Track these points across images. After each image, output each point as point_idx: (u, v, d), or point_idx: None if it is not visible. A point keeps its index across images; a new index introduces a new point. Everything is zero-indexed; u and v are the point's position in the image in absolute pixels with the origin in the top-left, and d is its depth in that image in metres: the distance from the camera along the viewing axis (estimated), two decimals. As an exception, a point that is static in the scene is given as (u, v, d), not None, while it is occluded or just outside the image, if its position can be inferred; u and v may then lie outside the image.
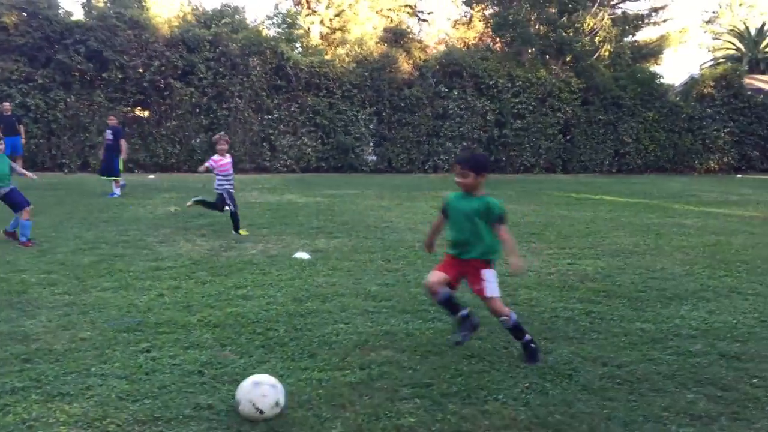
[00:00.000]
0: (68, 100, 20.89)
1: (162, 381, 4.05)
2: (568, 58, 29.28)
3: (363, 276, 7.06)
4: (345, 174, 23.89)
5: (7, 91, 19.67)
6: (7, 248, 8.14)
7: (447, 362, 4.46)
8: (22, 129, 18.29)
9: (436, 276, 4.56)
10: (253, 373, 3.93)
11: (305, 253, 8.15)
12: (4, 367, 4.22)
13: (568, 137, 28.38)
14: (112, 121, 15.14)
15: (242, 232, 9.54)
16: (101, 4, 23.83)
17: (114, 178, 14.50)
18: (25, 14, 20.60)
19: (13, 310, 5.48)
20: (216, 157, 9.67)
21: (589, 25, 29.35)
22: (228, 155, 9.77)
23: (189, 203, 10.23)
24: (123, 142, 14.88)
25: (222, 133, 10.29)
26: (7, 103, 18.27)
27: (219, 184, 9.66)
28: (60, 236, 9.04)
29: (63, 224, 10.10)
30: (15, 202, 8.50)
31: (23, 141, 18.45)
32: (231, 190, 9.67)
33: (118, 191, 14.34)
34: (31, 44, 20.52)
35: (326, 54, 26.10)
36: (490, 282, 4.47)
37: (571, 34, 28.80)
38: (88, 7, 23.62)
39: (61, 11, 21.77)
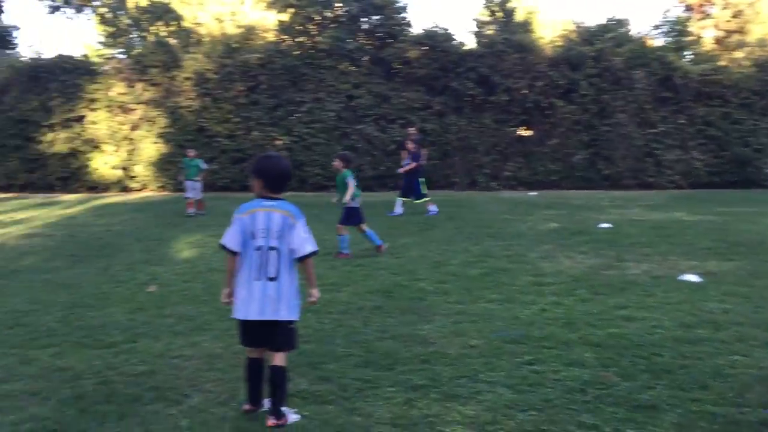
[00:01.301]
0: (460, 123, 22.72)
1: (546, 395, 4.16)
2: None
3: (764, 304, 6.30)
4: (742, 189, 21.53)
5: (410, 118, 22.18)
6: (408, 257, 9.18)
7: None
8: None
9: None
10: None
11: (694, 275, 7.58)
12: (407, 365, 4.77)
13: None
14: (410, 145, 14.86)
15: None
16: (491, 32, 25.47)
17: (423, 200, 14.54)
18: (426, 48, 23.04)
19: (414, 315, 6.16)
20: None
21: None
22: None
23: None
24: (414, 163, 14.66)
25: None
26: (413, 128, 20.53)
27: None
28: (451, 249, 9.87)
29: (454, 238, 11.00)
30: (351, 216, 9.57)
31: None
32: None
33: (434, 208, 14.41)
34: (430, 74, 22.87)
35: (720, 60, 23.91)
36: None
37: None
38: (479, 36, 25.47)
39: (455, 42, 23.81)
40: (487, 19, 29.80)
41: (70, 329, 5.86)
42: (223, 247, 3.89)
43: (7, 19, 49.13)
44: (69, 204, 18.43)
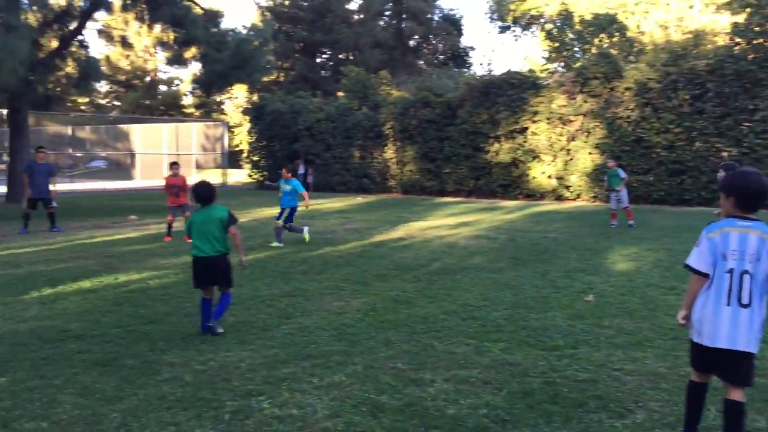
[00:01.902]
0: None
1: None
2: None
3: None
4: None
5: None
6: None
7: None
8: None
9: None
10: None
11: None
12: None
13: None
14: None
15: None
16: None
17: None
18: None
19: None
20: None
21: None
22: None
23: None
24: None
25: None
26: None
27: None
28: None
29: None
30: None
31: None
32: None
33: None
34: None
35: None
36: None
37: None
38: None
39: None
40: None
41: (516, 327, 6.28)
42: (690, 268, 3.67)
43: (465, 41, 55.01)
44: (509, 210, 19.80)
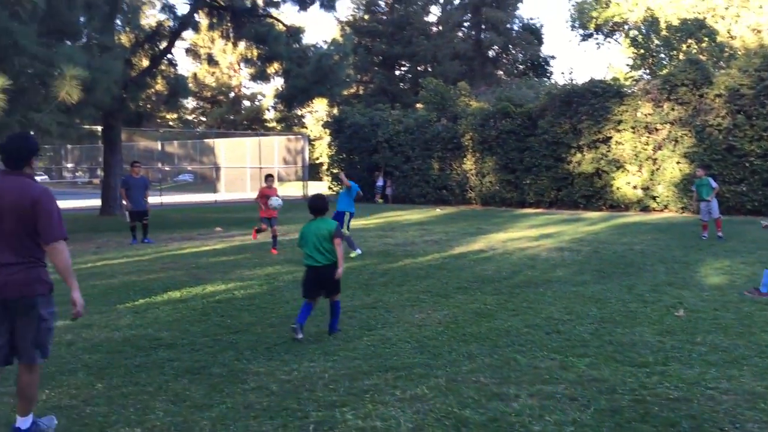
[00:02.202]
0: None
1: None
2: None
3: None
4: None
5: None
6: None
7: None
8: None
9: None
10: None
11: None
12: None
13: None
14: None
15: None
16: None
17: None
18: None
19: None
20: None
21: None
22: None
23: None
24: None
25: None
26: None
27: None
28: None
29: None
30: None
31: None
32: None
33: None
34: None
35: None
36: None
37: None
38: None
39: None
40: None
41: (602, 342, 6.11)
42: None
43: (545, 50, 54.33)
44: (592, 221, 19.32)
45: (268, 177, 13.70)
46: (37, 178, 4.94)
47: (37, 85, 13.43)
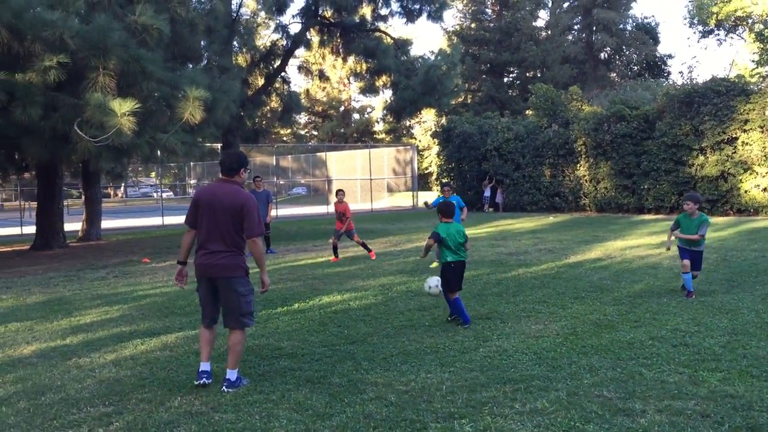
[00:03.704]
0: None
1: None
2: None
3: None
4: None
5: None
6: None
7: None
8: None
9: None
10: None
11: None
12: None
13: None
14: None
15: None
16: None
17: None
18: None
19: None
20: None
21: None
22: None
23: None
24: None
25: None
26: None
27: None
28: None
29: None
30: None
31: None
32: None
33: None
34: None
35: None
36: None
37: None
38: None
39: None
40: None
41: (735, 356, 5.76)
42: None
43: (662, 49, 52.06)
44: (718, 227, 18.27)
45: (339, 192, 13.93)
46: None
47: (163, 107, 14.21)
